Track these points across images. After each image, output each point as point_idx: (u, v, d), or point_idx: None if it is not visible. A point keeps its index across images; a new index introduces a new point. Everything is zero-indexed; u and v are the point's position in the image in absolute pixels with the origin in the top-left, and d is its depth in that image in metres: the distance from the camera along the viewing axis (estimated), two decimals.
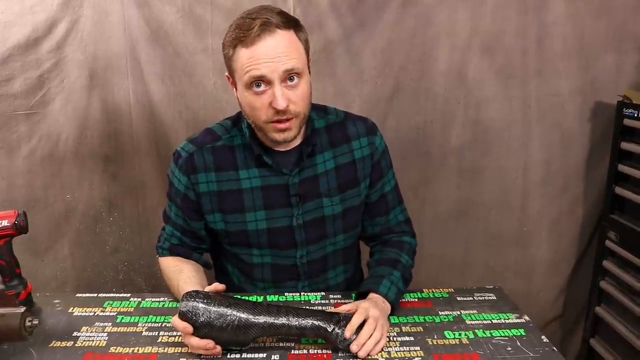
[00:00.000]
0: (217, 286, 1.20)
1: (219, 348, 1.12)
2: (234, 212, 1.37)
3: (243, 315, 1.13)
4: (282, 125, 1.24)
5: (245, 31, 1.19)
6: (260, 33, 1.18)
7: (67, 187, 2.00)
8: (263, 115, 1.23)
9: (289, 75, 1.21)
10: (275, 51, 1.18)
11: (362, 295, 1.33)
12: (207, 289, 1.20)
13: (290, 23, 1.23)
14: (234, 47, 1.21)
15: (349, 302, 1.28)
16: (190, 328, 1.11)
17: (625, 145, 1.96)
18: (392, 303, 1.30)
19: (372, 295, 1.30)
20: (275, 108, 1.20)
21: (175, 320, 1.13)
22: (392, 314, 1.30)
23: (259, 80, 1.20)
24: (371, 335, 1.16)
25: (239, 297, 1.23)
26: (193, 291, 1.16)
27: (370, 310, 1.19)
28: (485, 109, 2.07)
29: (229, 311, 1.13)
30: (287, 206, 1.37)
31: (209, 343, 1.11)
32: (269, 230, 1.38)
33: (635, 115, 1.88)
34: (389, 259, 1.42)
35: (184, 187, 1.37)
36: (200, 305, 1.12)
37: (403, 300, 1.39)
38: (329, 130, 1.40)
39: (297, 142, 1.36)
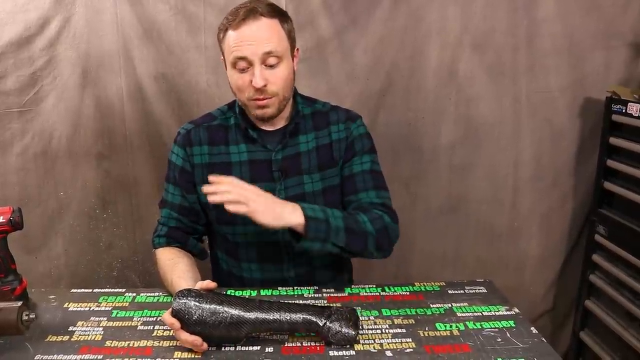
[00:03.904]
0: (209, 284, 1.21)
1: (205, 345, 1.13)
2: None
3: (235, 312, 1.14)
4: (260, 103, 1.36)
5: (234, 16, 1.33)
6: (245, 18, 1.31)
7: (60, 185, 2.01)
8: (245, 93, 1.36)
9: (269, 58, 1.32)
10: (256, 35, 1.31)
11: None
12: (198, 285, 1.21)
13: (276, 13, 1.36)
14: (224, 30, 1.35)
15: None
16: (178, 324, 1.12)
17: (614, 141, 1.98)
18: (305, 214, 1.28)
19: None
20: (254, 87, 1.32)
21: (165, 316, 1.15)
22: (300, 237, 1.30)
23: (242, 60, 1.32)
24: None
25: (231, 292, 1.24)
26: (185, 289, 1.17)
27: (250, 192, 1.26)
28: (475, 105, 2.09)
29: (221, 308, 1.14)
30: (271, 180, 1.45)
31: (196, 340, 1.12)
32: None
33: (624, 110, 1.91)
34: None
35: (181, 159, 1.47)
36: (193, 303, 1.14)
37: (395, 293, 1.41)
38: (314, 116, 1.51)
39: (283, 123, 1.47)
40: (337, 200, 1.52)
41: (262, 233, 1.45)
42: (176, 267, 1.37)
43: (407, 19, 2.00)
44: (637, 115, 1.85)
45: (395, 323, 1.27)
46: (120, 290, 1.43)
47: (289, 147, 1.46)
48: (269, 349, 1.16)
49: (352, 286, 1.45)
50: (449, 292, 1.43)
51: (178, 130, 1.50)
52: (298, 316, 1.17)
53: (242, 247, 1.49)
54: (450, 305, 1.35)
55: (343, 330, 1.17)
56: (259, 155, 1.45)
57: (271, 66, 1.33)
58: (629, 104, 1.88)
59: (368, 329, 1.23)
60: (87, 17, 1.89)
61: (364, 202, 1.48)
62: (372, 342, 1.19)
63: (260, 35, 1.31)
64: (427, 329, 1.24)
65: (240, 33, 1.31)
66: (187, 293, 1.16)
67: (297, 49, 1.44)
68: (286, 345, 1.18)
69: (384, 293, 1.41)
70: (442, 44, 2.03)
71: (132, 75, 1.95)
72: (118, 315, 1.30)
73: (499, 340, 1.20)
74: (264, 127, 1.46)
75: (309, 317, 1.17)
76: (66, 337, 1.20)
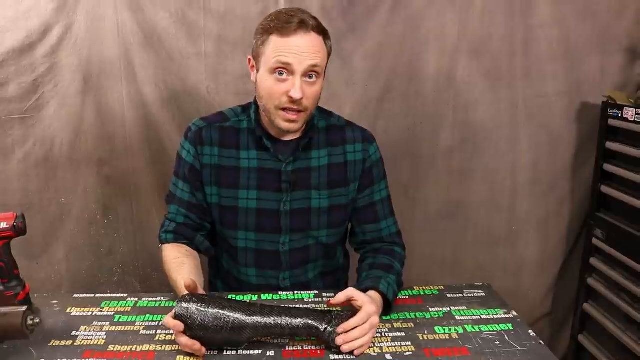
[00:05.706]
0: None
1: (204, 350, 1.14)
2: (228, 187, 1.45)
3: (237, 317, 1.15)
4: (291, 116, 1.35)
5: (283, 23, 1.31)
6: (297, 29, 1.30)
7: (61, 191, 2.01)
8: (277, 101, 1.34)
9: (310, 72, 1.33)
10: (305, 47, 1.31)
11: None
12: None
13: (322, 31, 1.37)
14: (268, 34, 1.33)
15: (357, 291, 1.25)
16: (181, 326, 1.13)
17: (611, 145, 2.00)
18: (390, 302, 1.33)
19: (372, 293, 1.31)
20: (291, 97, 1.31)
21: (167, 319, 1.16)
22: (387, 314, 1.33)
23: (284, 68, 1.31)
24: (360, 338, 1.17)
25: (232, 297, 1.25)
26: (188, 295, 1.18)
27: (372, 318, 1.20)
28: (473, 110, 2.11)
29: (223, 313, 1.15)
30: (278, 191, 1.45)
31: (195, 344, 1.13)
32: (257, 211, 1.45)
33: (620, 115, 1.93)
34: (382, 264, 1.44)
35: (192, 157, 1.45)
36: (195, 308, 1.14)
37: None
38: (329, 131, 1.50)
39: (297, 135, 1.45)
40: (342, 219, 1.52)
41: (263, 241, 1.48)
42: (182, 267, 1.36)
43: (405, 26, 2.01)
44: (633, 119, 1.87)
45: (395, 327, 1.29)
46: (122, 295, 1.44)
47: (300, 160, 1.45)
48: (270, 353, 1.17)
49: None
50: (448, 295, 1.44)
51: (189, 125, 1.48)
52: (299, 321, 1.18)
53: (242, 251, 1.50)
54: (449, 309, 1.37)
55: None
56: (269, 164, 1.44)
57: (310, 80, 1.33)
58: (625, 108, 1.90)
59: None
60: (88, 24, 1.90)
61: (385, 234, 1.55)
62: (372, 345, 1.20)
63: (309, 49, 1.31)
64: (426, 332, 1.26)
65: (290, 41, 1.30)
66: (190, 298, 1.17)
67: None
68: (287, 349, 1.19)
69: None
70: (440, 50, 2.04)
71: (133, 82, 1.96)
72: (120, 319, 1.31)
73: (498, 343, 1.21)
74: (278, 137, 1.44)
75: (309, 322, 1.18)
76: (69, 342, 1.21)
